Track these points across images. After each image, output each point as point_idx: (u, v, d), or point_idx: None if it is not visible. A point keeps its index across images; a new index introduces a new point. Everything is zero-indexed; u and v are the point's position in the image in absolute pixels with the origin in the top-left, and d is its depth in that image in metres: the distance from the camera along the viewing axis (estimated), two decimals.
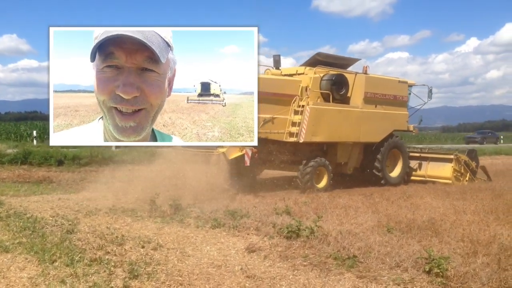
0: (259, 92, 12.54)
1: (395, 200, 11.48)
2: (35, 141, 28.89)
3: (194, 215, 9.24)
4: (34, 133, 31.11)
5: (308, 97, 13.43)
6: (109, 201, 10.67)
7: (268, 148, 13.00)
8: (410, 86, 16.45)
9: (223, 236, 7.71)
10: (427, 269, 5.69)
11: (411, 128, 16.45)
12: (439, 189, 13.80)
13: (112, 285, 5.21)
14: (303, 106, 13.27)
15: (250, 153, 12.04)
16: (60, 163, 18.52)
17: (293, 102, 13.36)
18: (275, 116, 12.95)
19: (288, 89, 13.43)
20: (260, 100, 12.86)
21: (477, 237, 7.39)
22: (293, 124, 13.23)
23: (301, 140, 13.08)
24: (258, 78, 13.39)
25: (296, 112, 13.28)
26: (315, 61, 14.82)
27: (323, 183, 13.70)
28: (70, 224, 8.17)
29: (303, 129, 13.06)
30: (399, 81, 15.84)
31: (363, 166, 15.34)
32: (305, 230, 7.31)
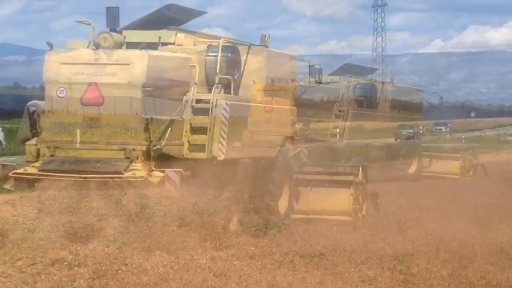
0: (305, 99, 13.83)
1: None
2: None
3: (160, 214, 9.12)
4: None
5: (348, 103, 15.26)
6: (72, 199, 10.41)
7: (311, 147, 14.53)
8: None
9: (190, 235, 7.64)
10: (392, 266, 5.80)
11: (424, 130, 19.10)
12: (404, 188, 14.11)
13: (76, 285, 5.09)
14: (342, 110, 15.07)
15: (306, 151, 13.38)
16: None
17: (334, 107, 15.16)
18: (320, 119, 14.82)
19: (330, 95, 15.36)
20: (306, 106, 14.35)
21: (439, 234, 7.57)
22: (335, 126, 15.09)
23: (344, 141, 14.78)
24: (304, 86, 14.74)
25: (337, 116, 15.18)
26: (342, 71, 17.17)
27: (359, 177, 14.91)
28: (32, 223, 7.93)
29: (345, 131, 14.87)
30: (417, 89, 18.79)
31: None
32: (272, 228, 7.33)
